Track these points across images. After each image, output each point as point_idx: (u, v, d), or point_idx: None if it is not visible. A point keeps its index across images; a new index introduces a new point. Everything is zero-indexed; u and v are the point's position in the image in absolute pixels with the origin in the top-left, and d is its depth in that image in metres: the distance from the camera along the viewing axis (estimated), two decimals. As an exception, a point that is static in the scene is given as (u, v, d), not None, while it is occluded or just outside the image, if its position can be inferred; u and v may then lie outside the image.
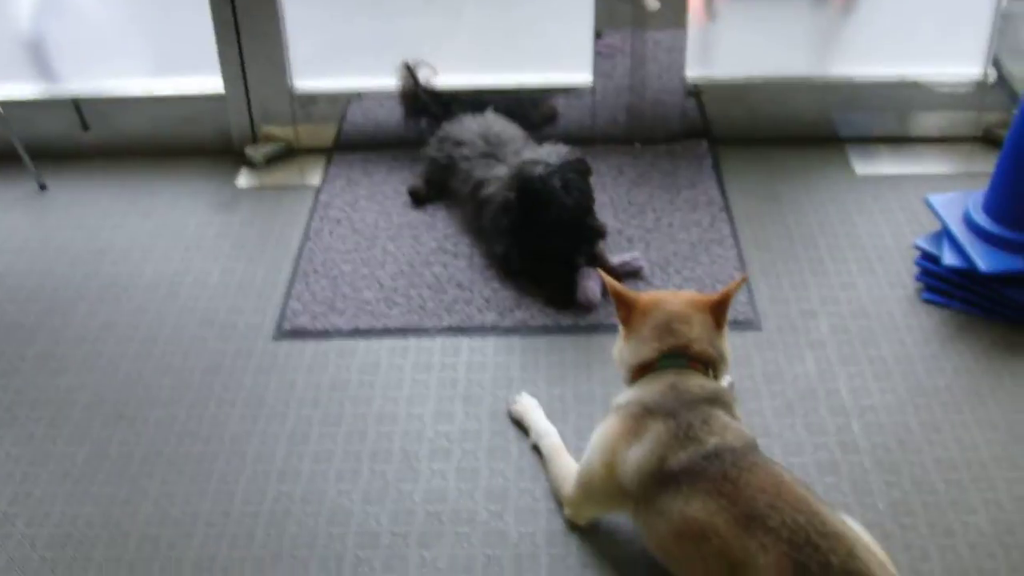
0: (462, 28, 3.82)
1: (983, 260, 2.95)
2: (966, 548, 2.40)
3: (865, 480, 2.56)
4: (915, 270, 3.18)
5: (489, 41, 3.85)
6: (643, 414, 2.27)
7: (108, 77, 3.87)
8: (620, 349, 2.45)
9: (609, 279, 2.43)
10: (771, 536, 1.99)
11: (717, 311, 2.37)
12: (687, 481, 2.13)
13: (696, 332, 2.35)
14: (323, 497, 2.54)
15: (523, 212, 3.05)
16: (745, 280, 2.42)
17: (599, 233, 3.10)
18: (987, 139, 3.82)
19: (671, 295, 2.43)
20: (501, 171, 3.26)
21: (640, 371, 2.38)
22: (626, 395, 2.38)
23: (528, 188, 3.03)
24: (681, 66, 3.71)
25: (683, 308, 2.38)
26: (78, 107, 3.87)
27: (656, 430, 2.22)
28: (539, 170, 3.03)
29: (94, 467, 2.64)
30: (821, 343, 2.95)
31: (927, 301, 3.09)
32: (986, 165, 3.61)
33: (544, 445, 2.62)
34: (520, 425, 2.71)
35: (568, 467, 2.51)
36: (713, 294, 2.40)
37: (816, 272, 3.21)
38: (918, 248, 3.15)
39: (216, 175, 3.75)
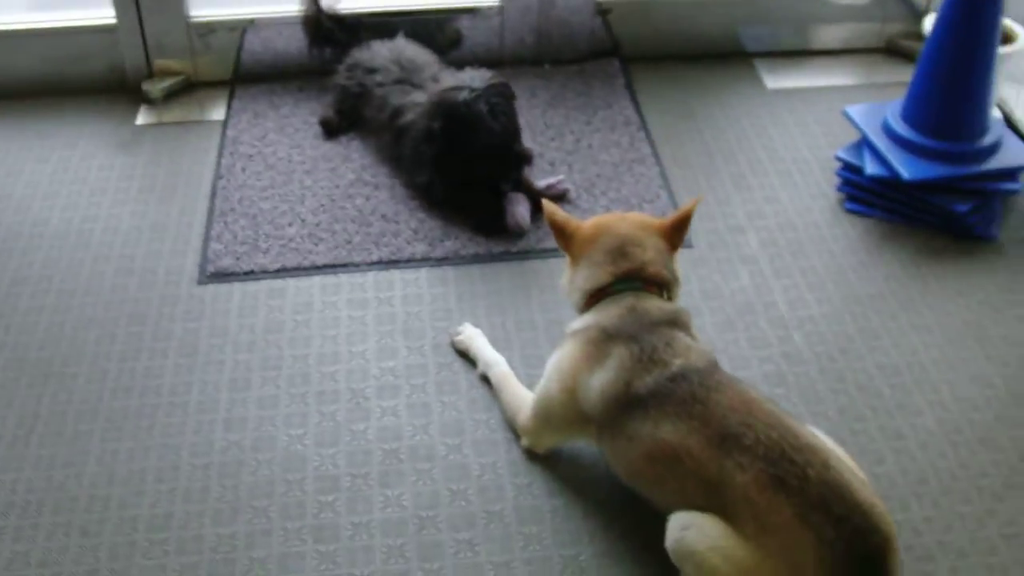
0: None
1: (906, 168, 3.00)
2: (917, 449, 2.46)
3: (813, 389, 2.59)
4: (836, 181, 3.22)
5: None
6: (603, 339, 2.25)
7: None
8: (569, 277, 2.42)
9: (551, 208, 2.39)
10: (747, 454, 2.00)
11: (673, 234, 2.36)
12: (655, 404, 2.13)
13: (650, 255, 2.33)
14: (274, 444, 2.47)
15: (448, 140, 2.98)
16: (700, 200, 2.40)
17: (526, 158, 3.06)
18: (890, 50, 3.87)
19: (618, 218, 2.41)
20: (419, 97, 3.18)
21: (594, 296, 2.36)
22: (582, 320, 2.36)
23: (453, 115, 2.96)
24: (590, -17, 3.66)
25: (635, 231, 2.35)
26: (-47, 47, 3.64)
27: (619, 354, 2.21)
28: (463, 96, 2.96)
29: (27, 429, 2.52)
30: (753, 258, 2.97)
31: (850, 211, 3.14)
32: (890, 76, 3.70)
33: (493, 374, 2.58)
34: (466, 356, 2.67)
35: (521, 396, 2.48)
36: (667, 217, 2.38)
37: (739, 187, 3.22)
38: (839, 159, 3.18)
39: (113, 114, 3.58)
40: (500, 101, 2.99)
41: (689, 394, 2.11)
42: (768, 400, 2.13)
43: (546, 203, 2.41)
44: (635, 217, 2.42)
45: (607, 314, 2.30)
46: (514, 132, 3.02)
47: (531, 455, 2.44)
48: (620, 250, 2.33)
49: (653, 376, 2.16)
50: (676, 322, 2.28)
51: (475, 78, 3.03)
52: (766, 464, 1.98)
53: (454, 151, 2.98)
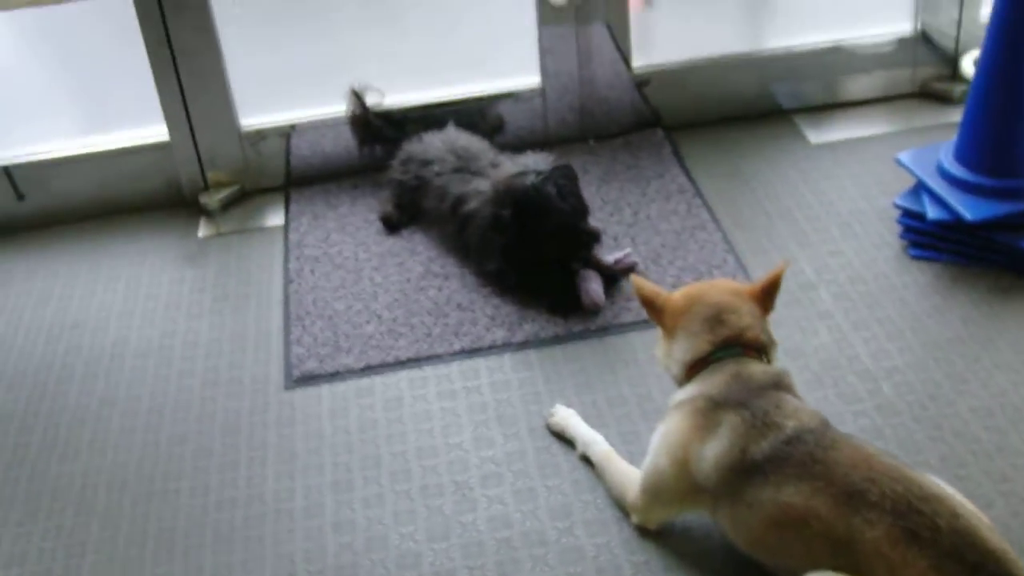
0: (401, 45, 3.76)
1: (968, 209, 3.03)
2: (1024, 490, 2.46)
3: (911, 440, 2.61)
4: (896, 228, 3.25)
5: (431, 55, 3.80)
6: (712, 408, 2.27)
7: (39, 141, 3.71)
8: (665, 349, 2.44)
9: (640, 282, 2.42)
10: (874, 510, 2.00)
11: (764, 298, 2.39)
12: (773, 468, 2.14)
13: (747, 320, 2.36)
14: (386, 543, 2.49)
15: (519, 225, 3.02)
16: (788, 264, 2.43)
17: (595, 237, 3.10)
18: (924, 94, 3.92)
19: (709, 286, 2.44)
20: (480, 185, 3.22)
21: (695, 367, 2.37)
22: (685, 392, 2.37)
23: (523, 200, 3.00)
24: (627, 57, 3.72)
25: (728, 298, 2.38)
26: (10, 176, 3.70)
27: (731, 422, 2.22)
28: (531, 180, 3.01)
29: (139, 548, 2.54)
30: (828, 313, 2.99)
31: (915, 257, 3.16)
32: (929, 119, 3.75)
33: (594, 453, 2.60)
34: (562, 438, 2.68)
35: (626, 472, 2.49)
36: (756, 282, 2.41)
37: (802, 244, 3.25)
38: (898, 207, 3.21)
39: (173, 228, 3.63)
40: (566, 183, 3.04)
41: (807, 455, 2.12)
42: (885, 453, 2.15)
43: (635, 277, 2.44)
44: (725, 284, 2.45)
45: (712, 383, 2.31)
46: (583, 212, 3.07)
47: (643, 531, 2.44)
48: (717, 318, 2.35)
49: (768, 440, 2.17)
50: (781, 384, 2.30)
51: (537, 162, 3.09)
52: (895, 518, 1.98)
53: (525, 236, 3.02)
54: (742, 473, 2.18)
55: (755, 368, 2.30)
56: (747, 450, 2.18)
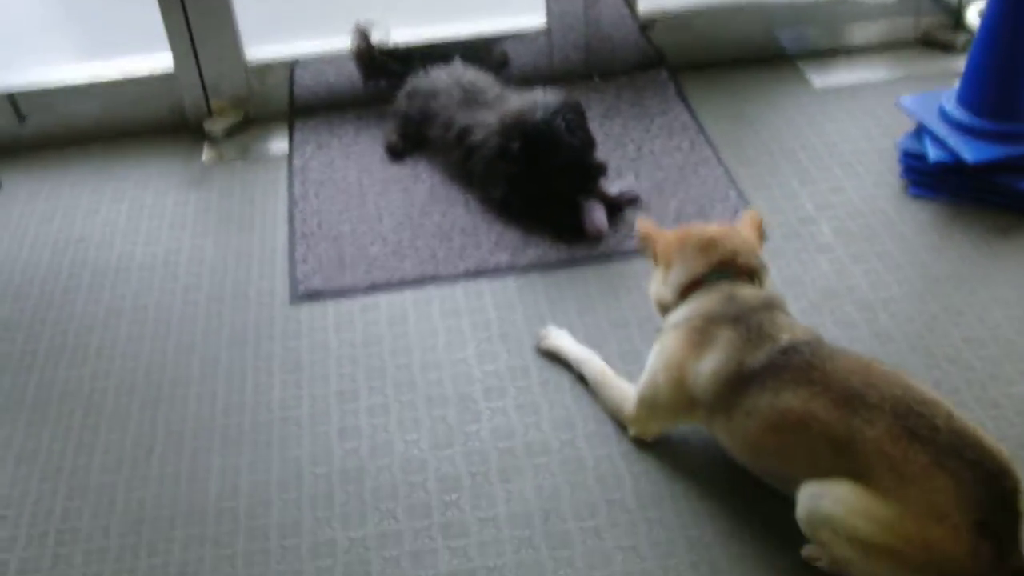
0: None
1: (968, 152, 3.08)
2: (1015, 416, 2.52)
3: (906, 365, 2.64)
4: (897, 168, 3.29)
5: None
6: (707, 324, 2.32)
7: (43, 67, 3.72)
8: (660, 279, 2.50)
9: (643, 225, 2.47)
10: (874, 411, 2.05)
11: (754, 231, 2.46)
12: (772, 376, 2.18)
13: (739, 246, 2.42)
14: (391, 449, 2.52)
15: (527, 158, 3.05)
16: (760, 215, 2.54)
17: (601, 170, 3.13)
18: (926, 42, 3.95)
19: (701, 225, 2.51)
20: (486, 117, 3.25)
21: (688, 289, 2.43)
22: (680, 313, 2.42)
23: (533, 134, 3.04)
24: (631, 1, 3.75)
25: (722, 229, 2.45)
26: (13, 101, 3.71)
27: (726, 336, 2.27)
28: (540, 115, 3.04)
29: (146, 449, 2.57)
30: (829, 246, 3.04)
31: (915, 195, 3.20)
32: (930, 68, 3.79)
33: (588, 370, 2.64)
34: (555, 359, 2.72)
35: (622, 387, 2.54)
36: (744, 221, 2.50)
37: (804, 181, 3.29)
38: (900, 149, 3.25)
39: (178, 153, 3.65)
40: (575, 117, 3.07)
41: (805, 363, 2.17)
42: (882, 362, 2.19)
43: (641, 223, 2.50)
44: (717, 224, 2.51)
45: (705, 302, 2.37)
46: (590, 146, 3.11)
47: (641, 443, 2.48)
48: (711, 243, 2.42)
49: (764, 351, 2.22)
50: (773, 305, 2.35)
51: (546, 97, 3.12)
52: (895, 417, 2.03)
53: (534, 168, 3.05)
54: (739, 384, 2.23)
55: (747, 290, 2.36)
56: (743, 362, 2.23)
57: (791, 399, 2.14)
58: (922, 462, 1.97)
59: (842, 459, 2.06)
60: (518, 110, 3.14)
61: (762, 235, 2.50)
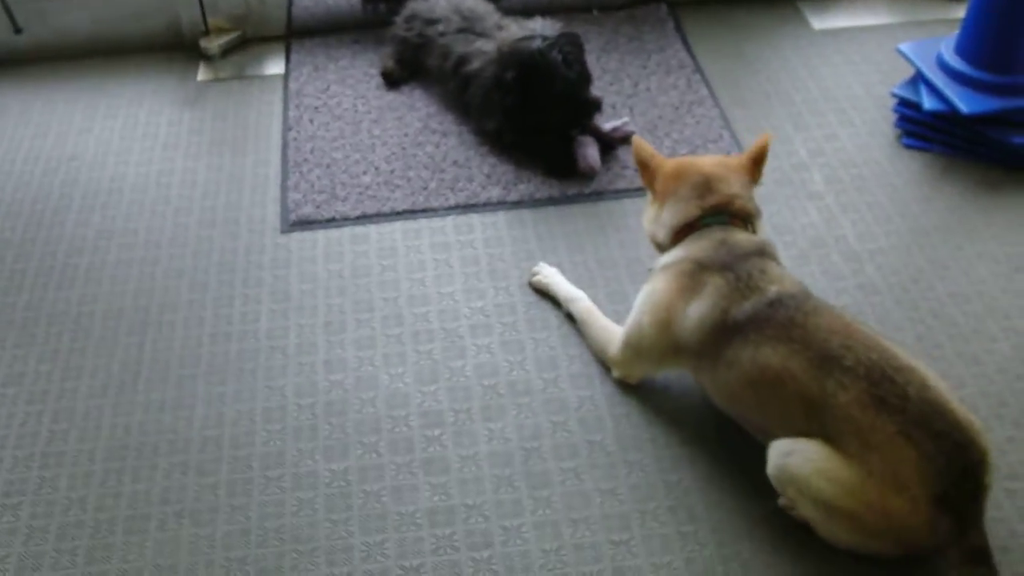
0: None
1: (964, 102, 3.07)
2: (996, 373, 2.54)
3: (890, 318, 2.67)
4: (892, 117, 3.28)
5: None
6: (697, 270, 2.33)
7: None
8: (653, 214, 2.50)
9: (640, 145, 2.46)
10: (848, 375, 2.07)
11: (753, 169, 2.45)
12: (754, 329, 2.20)
13: (735, 189, 2.41)
14: (376, 383, 2.55)
15: (522, 89, 3.04)
16: (771, 137, 2.48)
17: (596, 106, 3.12)
18: (929, -13, 3.92)
19: (701, 158, 2.49)
20: (484, 46, 3.23)
21: (682, 232, 2.43)
22: (671, 255, 2.43)
23: (528, 64, 3.02)
24: (636, -70, 3.71)
25: (718, 169, 2.44)
26: (7, 7, 3.66)
27: (714, 283, 2.28)
28: (537, 45, 3.02)
29: (133, 375, 2.60)
30: (819, 194, 3.04)
31: (908, 146, 3.20)
32: (933, 13, 3.76)
33: (576, 309, 2.66)
34: (546, 296, 2.74)
35: (608, 328, 2.56)
36: (744, 155, 2.46)
37: (798, 126, 3.29)
38: (895, 96, 3.24)
39: (173, 71, 3.63)
40: (572, 50, 3.05)
41: (788, 318, 2.19)
42: (864, 324, 2.21)
43: (636, 139, 2.48)
44: (716, 157, 2.51)
45: (698, 247, 2.37)
46: (587, 80, 3.09)
47: (624, 386, 2.51)
48: (706, 185, 2.41)
49: (751, 302, 2.24)
50: (765, 252, 2.36)
51: (544, 27, 3.09)
52: (868, 384, 2.06)
53: (528, 99, 3.04)
54: (723, 333, 2.25)
55: (740, 236, 2.36)
56: (729, 311, 2.24)
57: (770, 355, 2.16)
58: (888, 431, 2.00)
59: (814, 420, 2.09)
60: (515, 40, 3.11)
61: (760, 172, 2.47)
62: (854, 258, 2.84)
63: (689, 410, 2.45)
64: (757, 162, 2.46)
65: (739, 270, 2.28)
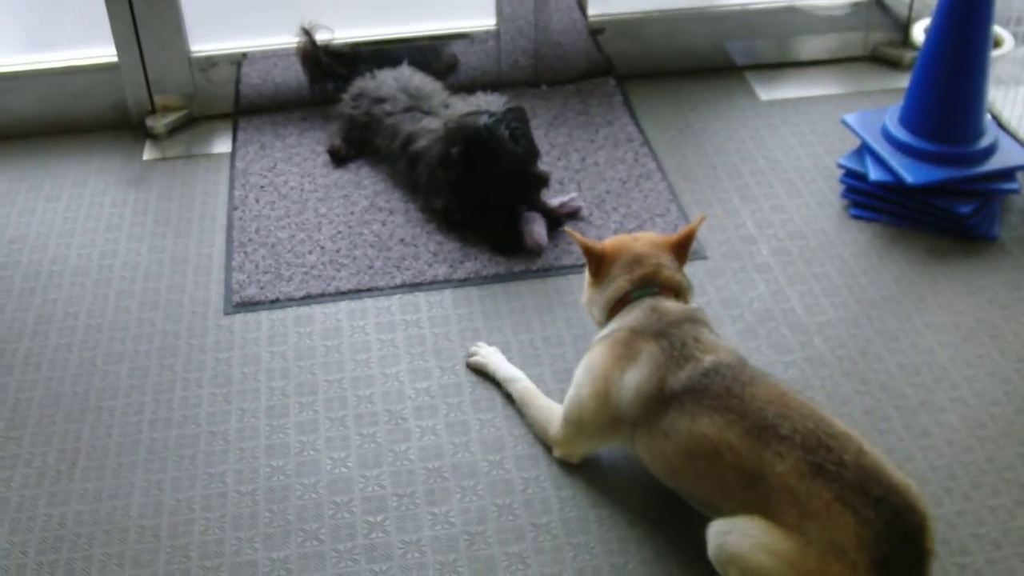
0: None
1: (909, 173, 3.08)
2: (944, 445, 2.53)
3: (839, 392, 2.66)
4: (839, 188, 3.29)
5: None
6: (631, 337, 2.32)
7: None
8: (590, 295, 2.51)
9: (581, 239, 2.47)
10: (785, 444, 2.06)
11: (679, 250, 2.48)
12: (691, 399, 2.19)
13: (664, 262, 2.43)
14: (318, 467, 2.50)
15: (469, 164, 3.03)
16: (704, 219, 2.51)
17: (544, 180, 3.11)
18: (875, 58, 3.96)
19: (632, 239, 2.52)
20: (431, 124, 3.23)
21: (615, 306, 2.44)
22: (607, 328, 2.43)
23: (475, 139, 3.01)
24: (583, 5, 3.73)
25: (647, 248, 2.47)
26: (-50, 90, 3.65)
27: (650, 351, 2.27)
28: (484, 120, 3.01)
29: (70, 463, 2.54)
30: (766, 266, 3.04)
31: (856, 217, 3.21)
32: (878, 83, 3.79)
33: (515, 389, 2.63)
34: (484, 375, 2.71)
35: (548, 407, 2.53)
36: (674, 235, 2.48)
37: (745, 198, 3.29)
38: (842, 167, 3.26)
39: (118, 150, 3.60)
40: (519, 125, 3.04)
41: (724, 388, 2.17)
42: (799, 392, 2.20)
43: (568, 230, 2.50)
44: (647, 236, 2.53)
45: (630, 316, 2.39)
46: (534, 155, 3.09)
47: (570, 466, 2.48)
48: (636, 261, 2.43)
49: (686, 371, 2.22)
50: (695, 318, 2.35)
51: (490, 103, 3.09)
52: (804, 452, 2.04)
53: (475, 175, 3.03)
54: (660, 403, 2.23)
55: (670, 304, 2.38)
56: (665, 380, 2.23)
57: (708, 426, 2.15)
58: (825, 498, 1.98)
59: (753, 491, 2.07)
60: (461, 115, 3.11)
61: (686, 254, 2.51)
62: (802, 331, 2.83)
63: (636, 490, 2.42)
64: (683, 244, 2.50)
65: (672, 337, 2.28)
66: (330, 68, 3.64)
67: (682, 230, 2.50)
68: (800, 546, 1.98)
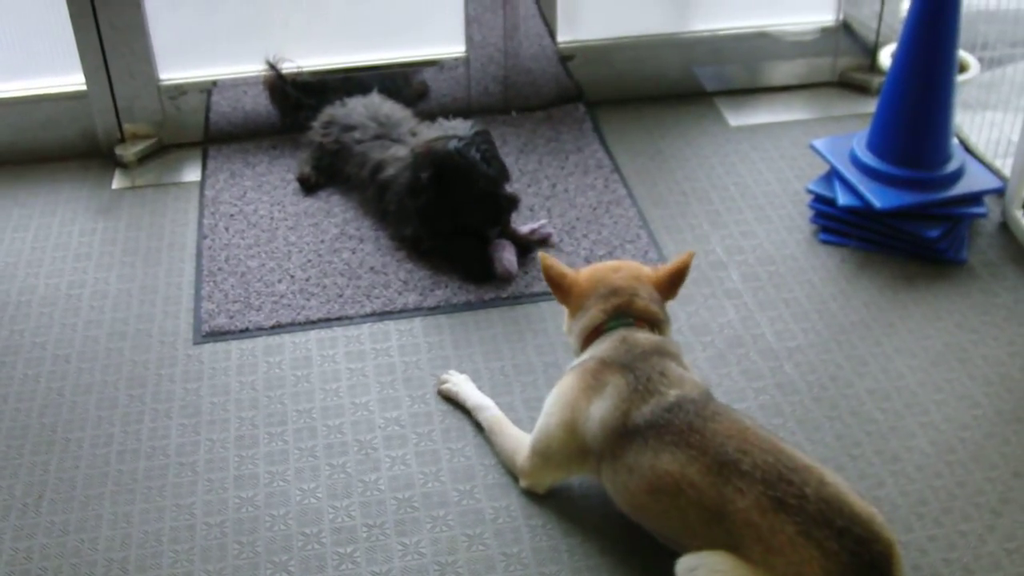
0: (328, 7, 3.73)
1: (877, 198, 3.10)
2: (914, 471, 2.53)
3: (809, 418, 2.66)
4: (808, 213, 3.31)
5: (358, 19, 3.78)
6: (599, 368, 2.32)
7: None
8: (568, 324, 2.51)
9: (549, 264, 2.45)
10: (745, 479, 2.06)
11: (667, 287, 2.47)
12: (653, 435, 2.19)
13: (640, 292, 2.41)
14: (287, 499, 2.49)
15: (439, 189, 3.03)
16: (692, 256, 2.49)
17: (514, 203, 3.11)
18: (843, 83, 3.99)
19: (613, 269, 2.49)
20: (399, 152, 3.23)
21: (590, 336, 2.44)
22: (580, 357, 2.43)
23: (446, 163, 3.01)
24: (553, 31, 3.74)
25: (627, 281, 2.45)
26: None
27: (615, 383, 2.27)
28: (453, 144, 3.01)
29: (36, 496, 2.52)
30: (736, 292, 3.04)
31: (825, 242, 3.22)
32: (846, 108, 3.82)
33: (484, 418, 2.62)
34: (454, 403, 2.70)
35: (516, 437, 2.53)
36: (662, 268, 2.48)
37: (715, 224, 3.30)
38: (811, 192, 3.27)
39: (87, 179, 3.59)
40: (488, 147, 3.05)
41: (687, 424, 2.17)
42: (760, 427, 2.20)
43: (543, 256, 2.48)
44: (629, 268, 2.49)
45: (601, 347, 2.38)
46: (505, 175, 3.10)
47: (540, 496, 2.47)
48: (612, 292, 2.42)
49: (650, 406, 2.22)
50: (665, 351, 2.35)
51: (457, 127, 3.09)
52: (764, 487, 2.04)
53: (446, 199, 3.02)
54: (624, 436, 2.23)
55: (640, 335, 2.37)
56: (629, 414, 2.23)
57: (669, 462, 2.14)
58: (788, 532, 1.98)
59: (716, 527, 2.08)
60: (430, 140, 3.11)
61: (675, 291, 2.48)
62: (772, 356, 2.83)
63: (607, 518, 2.41)
64: (673, 281, 2.47)
65: (639, 371, 2.27)
66: (298, 100, 3.64)
67: (670, 264, 2.48)
68: None
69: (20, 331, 2.97)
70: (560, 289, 2.47)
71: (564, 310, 2.53)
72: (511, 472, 2.51)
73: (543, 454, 2.42)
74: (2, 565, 2.36)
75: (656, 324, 2.43)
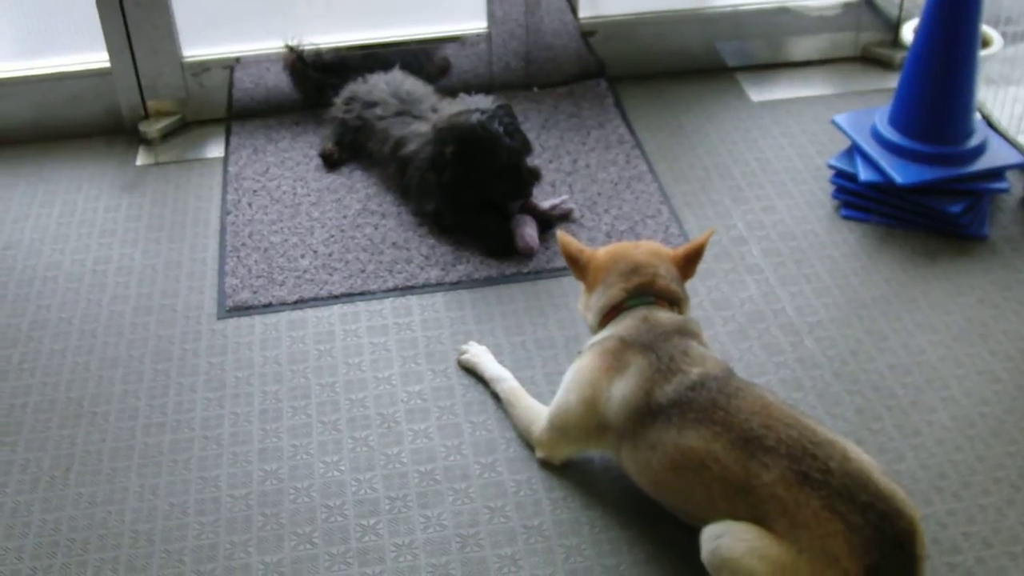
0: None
1: (899, 173, 3.09)
2: (935, 445, 2.54)
3: (829, 392, 2.67)
4: (829, 188, 3.30)
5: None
6: (621, 348, 2.33)
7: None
8: (584, 301, 2.52)
9: (567, 241, 2.47)
10: (770, 454, 2.07)
11: (686, 265, 2.48)
12: (677, 413, 2.20)
13: (660, 271, 2.42)
14: (311, 471, 2.51)
15: (462, 163, 3.04)
16: (713, 232, 2.50)
17: (537, 176, 3.12)
18: (866, 58, 3.98)
19: (632, 246, 2.50)
20: (421, 128, 3.24)
21: (609, 314, 2.44)
22: (600, 334, 2.44)
23: (468, 137, 3.02)
24: (575, 6, 3.74)
25: (647, 257, 2.46)
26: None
27: (638, 364, 2.28)
28: (476, 118, 3.02)
29: (64, 470, 2.55)
30: (757, 267, 3.05)
31: (846, 217, 3.22)
32: (868, 83, 3.80)
33: (502, 389, 2.64)
34: (473, 374, 2.72)
35: (533, 408, 2.54)
36: (680, 248, 2.48)
37: (737, 199, 3.30)
38: (832, 167, 3.27)
39: (112, 156, 3.62)
40: (510, 120, 3.06)
41: (710, 401, 2.18)
42: (783, 402, 2.21)
43: (560, 234, 2.49)
44: (648, 245, 2.51)
45: (622, 326, 2.39)
46: (527, 147, 3.11)
47: (561, 468, 2.49)
48: (632, 271, 2.42)
49: (673, 385, 2.23)
50: (686, 331, 2.36)
51: (479, 102, 3.10)
52: (789, 461, 2.05)
53: (469, 172, 3.03)
54: (647, 415, 2.24)
55: (662, 314, 2.38)
56: (652, 393, 2.24)
57: (693, 439, 2.16)
58: (813, 506, 1.99)
59: (740, 503, 2.09)
60: (452, 115, 3.12)
61: (693, 269, 2.49)
62: (793, 331, 2.84)
63: (628, 491, 2.43)
64: (691, 259, 2.48)
65: (660, 351, 2.28)
66: (319, 81, 3.65)
67: (690, 243, 2.49)
68: (792, 553, 2.00)
69: (47, 306, 3.01)
70: (577, 265, 2.48)
71: (581, 292, 2.53)
72: (527, 443, 2.52)
73: (561, 428, 2.43)
74: (31, 536, 2.40)
75: (676, 303, 2.44)
